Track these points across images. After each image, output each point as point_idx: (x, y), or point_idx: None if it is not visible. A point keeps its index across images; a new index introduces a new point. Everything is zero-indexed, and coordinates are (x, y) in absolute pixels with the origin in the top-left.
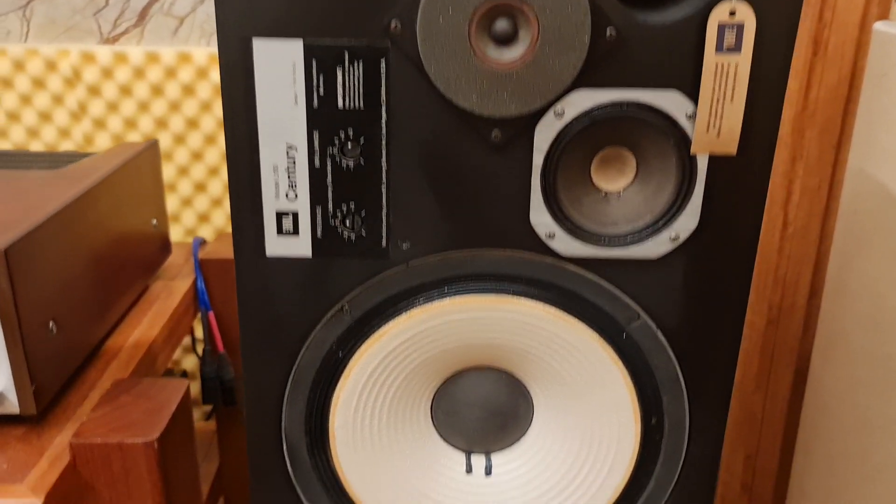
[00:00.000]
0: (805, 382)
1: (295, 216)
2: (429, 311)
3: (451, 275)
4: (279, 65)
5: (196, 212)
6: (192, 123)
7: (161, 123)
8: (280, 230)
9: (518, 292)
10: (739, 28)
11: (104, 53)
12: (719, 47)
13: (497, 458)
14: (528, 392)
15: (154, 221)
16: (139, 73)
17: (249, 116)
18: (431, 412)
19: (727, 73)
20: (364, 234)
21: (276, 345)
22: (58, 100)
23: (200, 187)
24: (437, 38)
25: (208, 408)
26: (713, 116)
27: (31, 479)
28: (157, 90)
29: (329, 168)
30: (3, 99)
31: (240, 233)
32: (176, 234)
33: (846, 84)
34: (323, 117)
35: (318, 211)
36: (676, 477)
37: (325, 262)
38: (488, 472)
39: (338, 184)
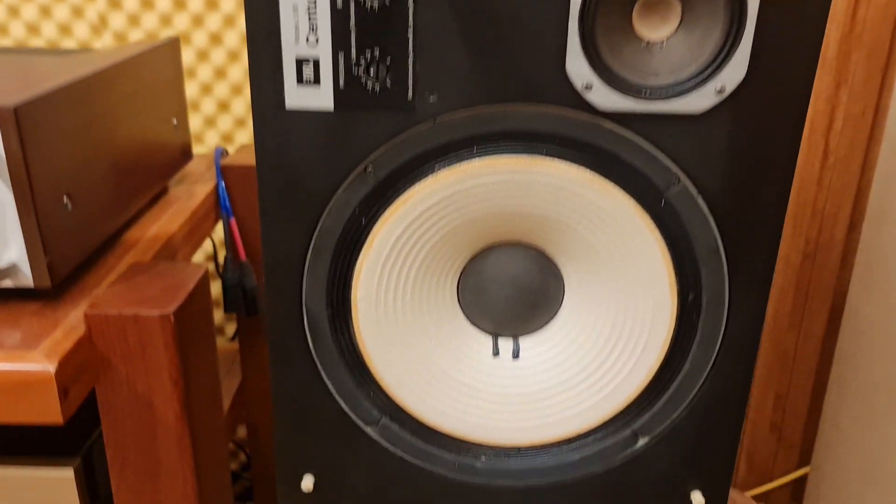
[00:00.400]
0: (840, 321)
1: (316, 63)
2: (457, 174)
3: (481, 132)
4: None
5: (233, 116)
6: (229, 21)
7: (179, 4)
8: (300, 79)
9: (552, 153)
10: None
11: None
12: None
13: (525, 342)
14: (559, 270)
15: (174, 121)
16: None
17: None
18: (458, 291)
19: None
20: (389, 85)
21: (296, 209)
22: None
23: (237, 90)
24: None
25: (231, 330)
26: None
27: (44, 346)
28: None
29: (352, 9)
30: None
31: (257, 83)
32: (212, 138)
33: None
34: None
35: (341, 58)
36: (714, 358)
37: (347, 117)
38: (516, 355)
39: (361, 27)
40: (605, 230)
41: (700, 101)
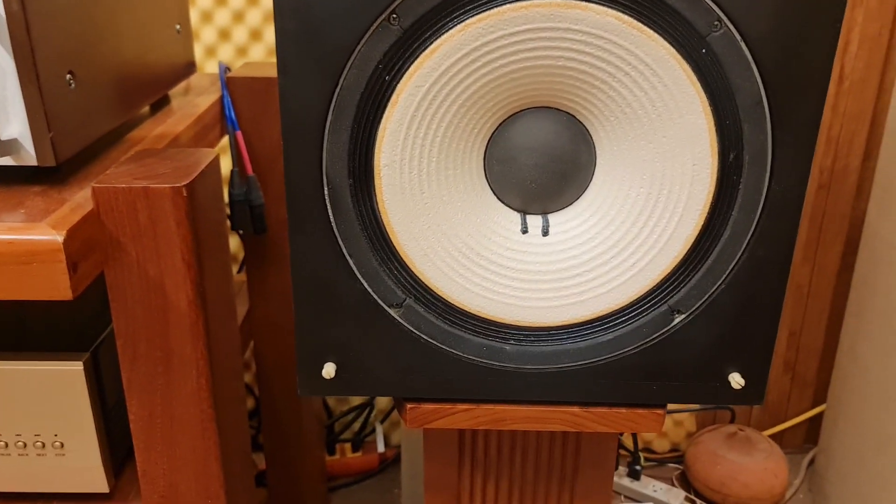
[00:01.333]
0: (855, 253)
1: None
2: (486, 21)
3: None
4: None
5: (235, 44)
6: None
7: None
8: None
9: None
10: None
11: None
12: None
13: (555, 218)
14: (591, 136)
15: (177, 27)
16: None
17: None
18: (485, 162)
19: None
20: None
21: (316, 62)
22: None
23: (239, 17)
24: None
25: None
26: None
27: (51, 220)
28: None
29: None
30: None
31: None
32: (211, 65)
33: None
34: None
35: None
36: (755, 224)
37: None
38: (545, 232)
39: None
40: (641, 83)
41: None
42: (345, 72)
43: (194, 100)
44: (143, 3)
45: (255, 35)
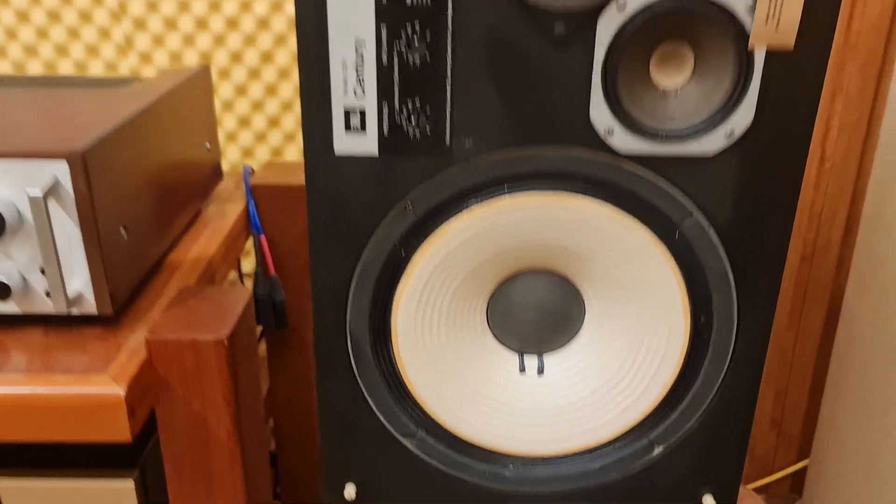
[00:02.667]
0: (837, 322)
1: (362, 113)
2: (489, 209)
3: (512, 172)
4: None
5: (253, 131)
6: (249, 41)
7: (219, 40)
8: (348, 127)
9: (576, 190)
10: None
11: None
12: None
13: (549, 359)
14: (581, 294)
15: (207, 145)
16: None
17: (320, 10)
18: (487, 314)
19: None
20: (428, 132)
21: (342, 241)
22: (115, 17)
23: (257, 106)
24: None
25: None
26: (772, 8)
27: (112, 370)
28: (214, 6)
29: (396, 64)
30: (44, 0)
31: (309, 130)
32: (233, 154)
33: (888, 15)
34: (391, 12)
35: (385, 108)
36: (724, 373)
37: (390, 160)
38: (540, 371)
39: (404, 80)
40: (624, 259)
41: (711, 143)
42: (366, 249)
43: (222, 207)
44: (180, 135)
45: (273, 123)
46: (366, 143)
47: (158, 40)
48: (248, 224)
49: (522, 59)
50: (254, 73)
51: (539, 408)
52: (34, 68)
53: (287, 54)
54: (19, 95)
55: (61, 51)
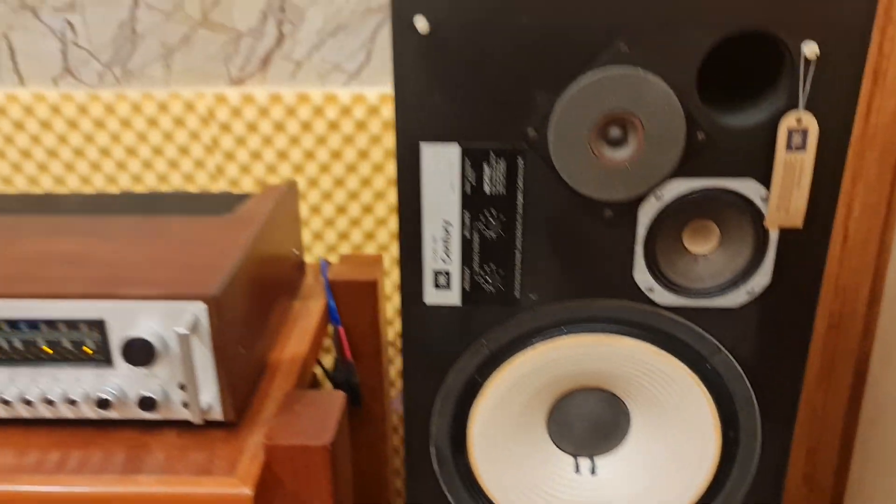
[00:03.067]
0: (864, 383)
1: (448, 274)
2: (550, 346)
3: (569, 318)
4: (441, 161)
5: (326, 244)
6: (309, 155)
7: (282, 155)
8: (436, 285)
9: (622, 332)
10: (805, 133)
11: (233, 95)
12: (789, 147)
13: (600, 461)
14: (627, 409)
15: (294, 251)
16: (264, 111)
17: (416, 199)
18: (547, 424)
19: (795, 166)
20: (502, 288)
21: (429, 370)
22: (195, 136)
23: (329, 222)
24: (565, 142)
25: None
26: (783, 199)
27: (239, 472)
28: (279, 126)
29: (476, 238)
30: (150, 136)
31: (407, 286)
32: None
33: None
34: (473, 200)
35: (467, 271)
36: (750, 479)
37: (470, 309)
38: (593, 472)
39: (482, 250)
40: (663, 385)
41: (735, 298)
42: (449, 376)
43: (307, 304)
44: (278, 248)
45: (355, 223)
46: (450, 297)
47: (245, 169)
48: (328, 315)
49: (578, 234)
50: (339, 182)
51: (592, 502)
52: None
53: (368, 166)
54: (141, 222)
55: (163, 179)
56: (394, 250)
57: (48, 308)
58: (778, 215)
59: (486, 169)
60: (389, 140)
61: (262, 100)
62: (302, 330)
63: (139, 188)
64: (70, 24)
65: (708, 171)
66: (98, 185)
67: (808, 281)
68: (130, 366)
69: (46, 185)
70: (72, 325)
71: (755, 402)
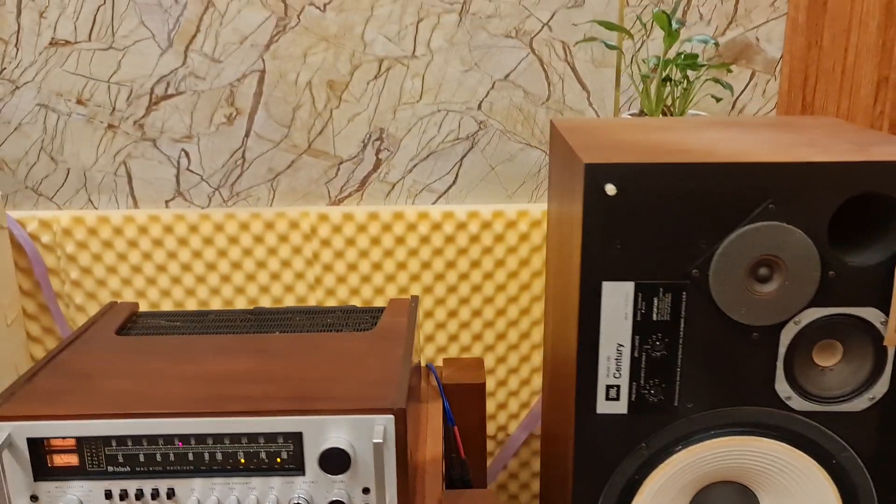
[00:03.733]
0: None
1: (618, 388)
2: (701, 448)
3: (719, 423)
4: (617, 296)
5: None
6: (402, 265)
7: (376, 266)
8: (607, 397)
9: (763, 434)
10: None
11: (335, 213)
12: None
13: None
14: (759, 499)
15: (415, 359)
16: (362, 228)
17: (595, 326)
18: None
19: None
20: (663, 398)
21: (596, 469)
22: (297, 250)
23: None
24: (723, 279)
25: None
26: None
27: None
28: (375, 241)
29: (643, 358)
30: (255, 252)
31: (581, 398)
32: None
33: None
34: (642, 327)
35: (634, 385)
36: None
37: (634, 416)
38: None
39: (648, 367)
40: (795, 478)
41: (859, 405)
42: (612, 475)
43: (427, 408)
44: (415, 361)
45: (464, 325)
46: (618, 407)
47: (341, 279)
48: (444, 416)
49: (729, 353)
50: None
51: None
52: (240, 303)
53: (479, 274)
54: (300, 339)
55: (264, 289)
56: (493, 352)
57: (251, 424)
58: (894, 336)
59: (655, 301)
60: (476, 252)
61: (360, 217)
62: (433, 431)
63: (239, 297)
64: (186, 152)
65: (837, 301)
66: (202, 296)
67: None
68: (324, 473)
69: (153, 297)
70: (270, 437)
71: (874, 494)
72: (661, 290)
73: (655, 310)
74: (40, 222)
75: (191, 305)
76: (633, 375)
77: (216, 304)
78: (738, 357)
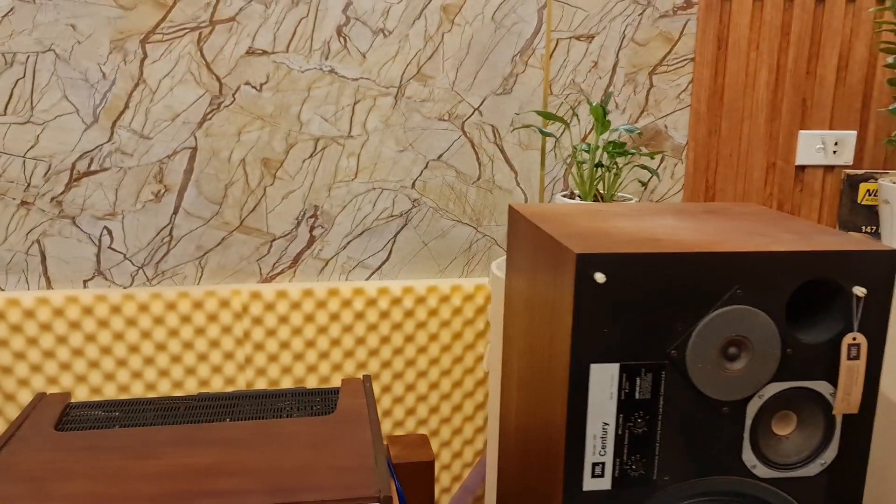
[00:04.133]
0: None
1: (602, 465)
2: None
3: (693, 493)
4: (604, 377)
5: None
6: (335, 342)
7: (309, 344)
8: (593, 475)
9: (732, 501)
10: (860, 346)
11: (268, 291)
12: (848, 356)
13: None
14: None
15: None
16: (296, 305)
17: (583, 406)
18: None
19: (854, 370)
20: (643, 473)
21: None
22: (226, 329)
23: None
24: (698, 358)
25: None
26: (845, 394)
27: None
28: (309, 318)
29: (626, 435)
30: (182, 332)
31: (569, 476)
32: None
33: None
34: (626, 405)
35: (618, 461)
36: None
37: (617, 491)
38: None
39: (630, 444)
40: None
41: (812, 469)
42: None
43: None
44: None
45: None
46: (603, 483)
47: (272, 358)
48: (398, 498)
49: (701, 426)
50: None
51: None
52: (164, 386)
53: (413, 348)
54: (257, 427)
55: (190, 371)
56: (426, 426)
57: None
58: (842, 405)
59: (638, 380)
60: (410, 327)
61: (294, 294)
62: None
63: (163, 380)
64: (108, 229)
65: (793, 375)
66: (123, 380)
67: (861, 450)
68: None
69: (66, 383)
70: None
71: None
72: (644, 370)
73: (638, 389)
74: None
75: (109, 391)
76: (617, 452)
77: (137, 388)
78: (709, 430)
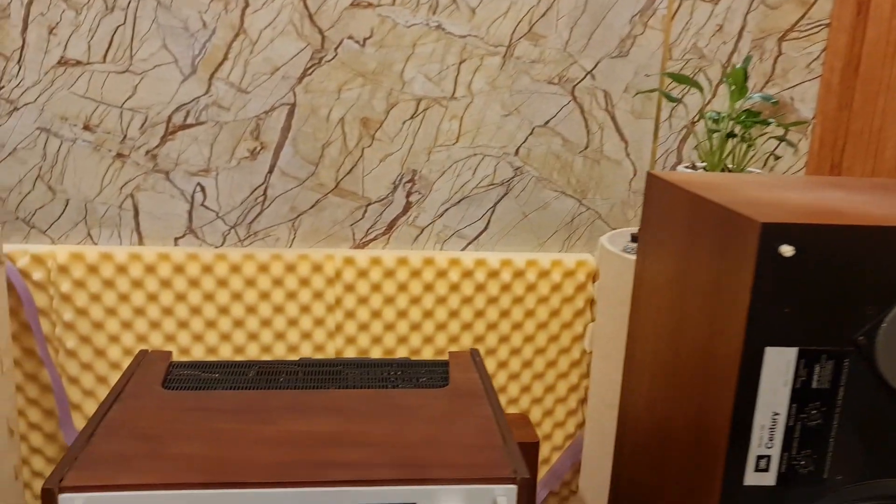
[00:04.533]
0: None
1: (768, 459)
2: None
3: (868, 496)
4: (779, 362)
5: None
6: (428, 313)
7: (402, 314)
8: (757, 468)
9: None
10: None
11: (361, 257)
12: None
13: None
14: None
15: None
16: (389, 273)
17: (753, 393)
18: None
19: None
20: (813, 470)
21: None
22: (318, 295)
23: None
24: (890, 347)
25: None
26: None
27: None
28: (402, 287)
29: (798, 427)
30: (273, 296)
31: (730, 469)
32: None
33: None
34: (800, 395)
35: (786, 456)
36: None
37: (782, 488)
38: None
39: (802, 437)
40: None
41: None
42: None
43: None
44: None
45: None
46: (767, 478)
47: (363, 327)
48: None
49: (884, 422)
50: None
51: None
52: (252, 350)
53: (508, 324)
54: (373, 396)
55: (280, 336)
56: (517, 405)
57: (356, 495)
58: None
59: (817, 368)
60: (506, 301)
61: (389, 262)
62: None
63: (254, 344)
64: (202, 186)
65: None
66: (211, 342)
67: None
68: None
69: (156, 342)
70: None
71: None
72: (825, 356)
73: (816, 377)
74: (32, 257)
75: (197, 352)
76: (786, 445)
77: (226, 351)
78: (893, 428)
